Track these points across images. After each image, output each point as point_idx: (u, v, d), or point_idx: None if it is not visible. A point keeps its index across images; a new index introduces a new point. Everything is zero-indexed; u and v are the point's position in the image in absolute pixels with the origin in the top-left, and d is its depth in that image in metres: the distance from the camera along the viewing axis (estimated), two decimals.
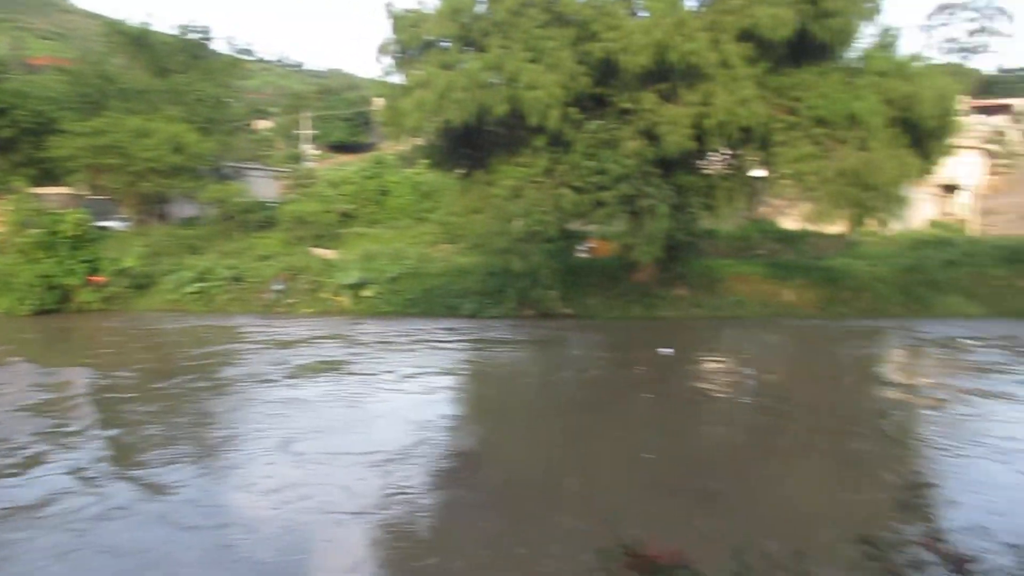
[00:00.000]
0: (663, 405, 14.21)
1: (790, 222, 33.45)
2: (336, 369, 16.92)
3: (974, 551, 2.65)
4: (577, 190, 22.31)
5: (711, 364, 19.06)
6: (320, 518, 8.52)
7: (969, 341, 20.47)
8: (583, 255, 30.20)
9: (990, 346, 20.00)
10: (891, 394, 15.49)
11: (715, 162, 25.13)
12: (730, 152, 24.32)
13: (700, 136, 21.30)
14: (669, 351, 18.45)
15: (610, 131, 22.16)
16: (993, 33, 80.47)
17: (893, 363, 19.63)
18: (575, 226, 26.72)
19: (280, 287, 27.17)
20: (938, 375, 17.35)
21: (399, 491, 9.32)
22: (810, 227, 27.41)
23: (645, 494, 9.31)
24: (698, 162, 24.30)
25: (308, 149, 68.33)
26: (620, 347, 20.57)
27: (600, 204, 22.38)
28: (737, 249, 31.95)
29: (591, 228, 27.55)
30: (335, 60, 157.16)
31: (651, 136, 21.59)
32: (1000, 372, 16.83)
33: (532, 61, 21.27)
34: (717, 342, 21.96)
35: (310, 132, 69.42)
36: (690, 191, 23.33)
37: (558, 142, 22.48)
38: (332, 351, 19.20)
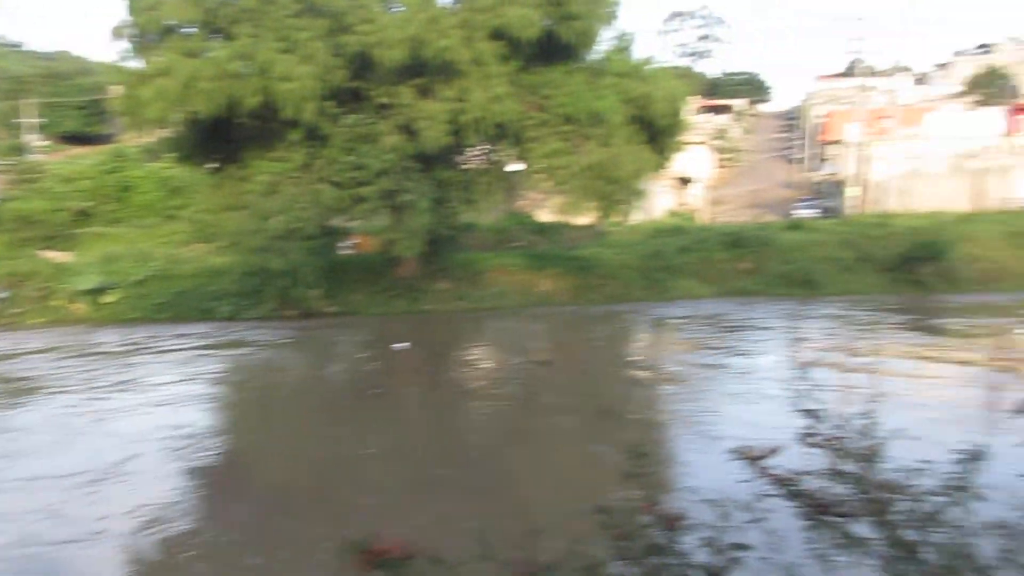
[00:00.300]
0: (393, 400, 14.23)
1: (546, 214, 35.18)
2: (47, 386, 15.14)
3: (682, 509, 2.90)
4: (337, 185, 21.93)
5: (457, 355, 19.59)
6: (18, 553, 7.50)
7: (679, 320, 22.78)
8: (347, 251, 29.75)
9: (702, 324, 22.31)
10: (621, 373, 16.72)
11: (473, 157, 25.78)
12: (487, 147, 25.04)
13: (458, 131, 21.74)
14: (404, 346, 18.69)
15: (368, 126, 22.00)
16: (716, 40, 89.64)
17: (627, 344, 21.30)
18: (337, 222, 26.26)
19: (1, 295, 24.18)
20: (660, 354, 19.15)
21: (114, 512, 8.45)
22: (564, 219, 28.99)
23: (378, 489, 9.27)
24: (457, 157, 24.79)
25: (33, 140, 61.23)
26: (373, 343, 20.52)
27: (361, 199, 22.17)
28: (497, 242, 33.04)
29: (353, 224, 27.21)
30: (63, 41, 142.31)
31: (410, 131, 21.72)
32: (708, 348, 18.87)
33: (285, 52, 20.57)
34: (471, 333, 22.66)
35: (35, 121, 62.24)
36: (450, 186, 23.75)
37: (315, 136, 21.95)
38: (48, 364, 17.22)
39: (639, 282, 27.86)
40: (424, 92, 21.58)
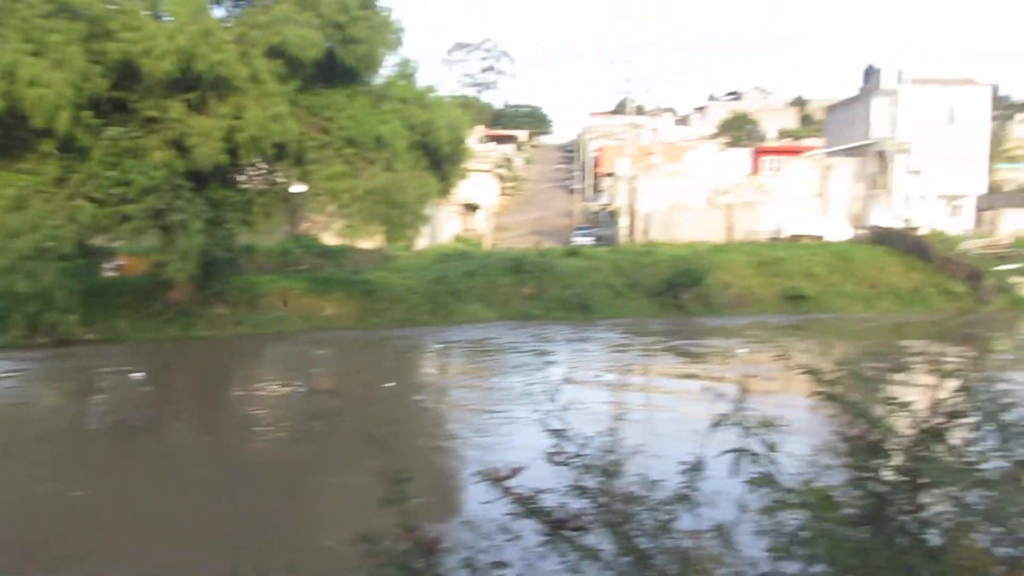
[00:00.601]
0: (110, 437, 13.20)
1: (332, 237, 34.53)
2: None
3: (441, 533, 2.91)
4: (97, 202, 20.22)
5: (221, 383, 18.63)
6: None
7: (460, 345, 23.29)
8: (111, 274, 27.48)
9: (480, 348, 22.89)
10: (396, 398, 16.52)
11: (253, 177, 24.83)
12: (266, 167, 24.21)
13: (234, 150, 20.83)
14: (140, 375, 17.65)
15: (134, 139, 20.50)
16: (500, 72, 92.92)
17: (405, 369, 21.19)
18: (99, 242, 24.21)
19: None
20: (436, 378, 19.40)
21: None
22: (350, 242, 28.59)
23: (109, 534, 8.43)
24: (234, 176, 23.76)
25: None
26: (122, 373, 18.88)
27: (126, 218, 20.58)
28: (280, 264, 31.93)
29: (118, 244, 25.19)
30: None
31: (181, 147, 20.49)
32: (482, 371, 19.41)
33: (34, 55, 18.71)
34: (244, 359, 21.74)
35: None
36: (226, 206, 22.68)
37: (72, 148, 20.11)
38: None
39: (425, 306, 28.02)
40: (196, 107, 20.49)
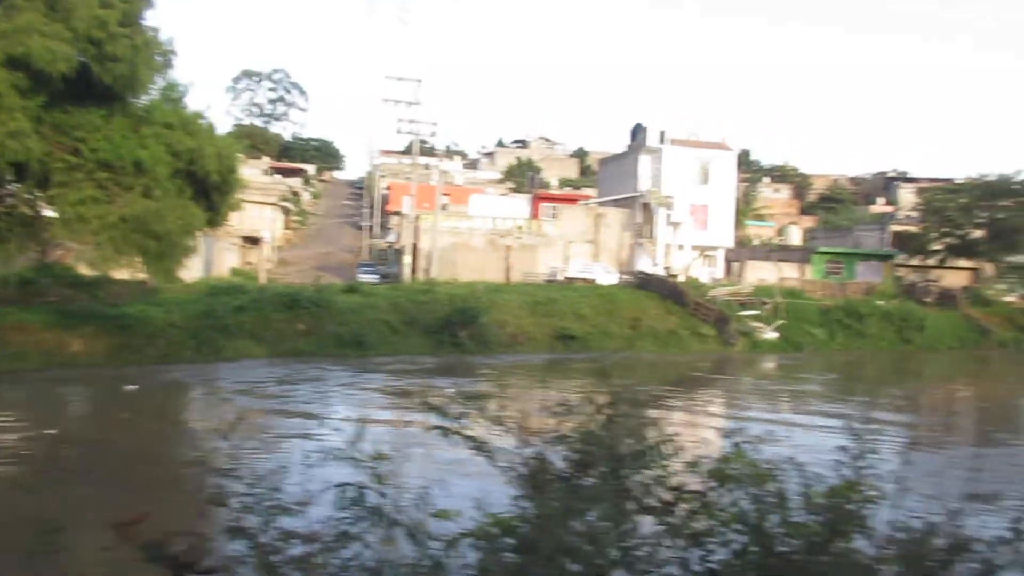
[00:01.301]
0: None
1: (89, 267, 31.70)
2: None
3: None
4: None
5: None
6: None
7: (205, 384, 22.83)
8: None
9: (214, 389, 22.44)
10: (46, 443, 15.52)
11: None
12: (4, 189, 21.93)
13: None
14: None
15: None
16: (291, 104, 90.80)
17: (120, 411, 19.95)
18: None
19: None
20: (138, 421, 18.49)
21: None
22: (109, 272, 26.36)
23: None
24: None
25: None
26: None
27: None
28: (23, 296, 28.78)
29: None
30: None
31: None
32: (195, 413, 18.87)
33: None
34: None
35: None
36: None
37: None
38: None
39: (188, 342, 26.45)
40: None
